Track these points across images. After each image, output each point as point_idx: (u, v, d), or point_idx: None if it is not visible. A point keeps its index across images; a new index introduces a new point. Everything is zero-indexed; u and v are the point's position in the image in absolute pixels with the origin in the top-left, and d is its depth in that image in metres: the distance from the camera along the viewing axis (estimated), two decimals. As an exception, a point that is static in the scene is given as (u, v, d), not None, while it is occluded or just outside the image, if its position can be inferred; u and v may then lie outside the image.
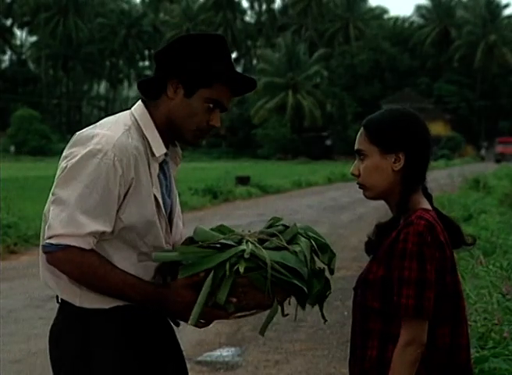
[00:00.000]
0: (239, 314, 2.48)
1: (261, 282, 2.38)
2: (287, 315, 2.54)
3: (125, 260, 2.49)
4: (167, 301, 2.46)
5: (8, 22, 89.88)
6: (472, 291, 6.61)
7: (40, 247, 2.50)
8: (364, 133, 2.47)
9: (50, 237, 2.42)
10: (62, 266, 2.44)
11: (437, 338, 2.36)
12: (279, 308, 2.49)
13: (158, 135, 2.55)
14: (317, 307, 2.61)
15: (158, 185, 2.55)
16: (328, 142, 72.22)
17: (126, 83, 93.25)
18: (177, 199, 2.73)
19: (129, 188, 2.46)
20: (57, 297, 2.57)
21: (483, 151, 75.98)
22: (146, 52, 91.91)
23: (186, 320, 2.48)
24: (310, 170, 38.88)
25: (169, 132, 2.58)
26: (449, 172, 27.87)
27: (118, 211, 2.46)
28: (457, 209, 15.61)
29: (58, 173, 2.48)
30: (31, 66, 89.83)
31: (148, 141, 2.54)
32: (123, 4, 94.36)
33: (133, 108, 2.61)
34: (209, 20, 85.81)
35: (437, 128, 66.23)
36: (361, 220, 17.01)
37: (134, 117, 2.57)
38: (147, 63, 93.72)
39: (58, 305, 2.60)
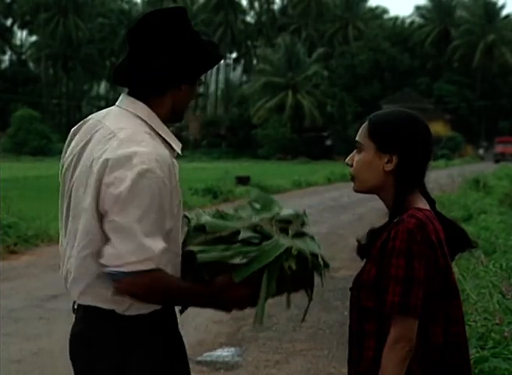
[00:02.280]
0: None
1: (301, 273, 2.53)
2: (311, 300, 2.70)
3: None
4: (227, 299, 2.52)
5: (9, 22, 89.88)
6: (472, 290, 6.60)
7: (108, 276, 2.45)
8: (367, 126, 2.49)
9: (120, 266, 2.39)
10: (134, 291, 2.43)
11: (431, 336, 2.36)
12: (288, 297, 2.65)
13: (169, 131, 2.58)
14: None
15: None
16: (328, 142, 72.19)
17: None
18: None
19: (170, 197, 2.49)
20: (73, 305, 2.57)
21: (481, 151, 75.84)
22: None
23: (237, 309, 2.59)
24: (310, 170, 38.85)
25: (169, 122, 2.62)
26: (449, 172, 27.86)
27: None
28: (457, 209, 15.60)
29: (110, 200, 2.40)
30: (31, 66, 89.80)
31: (166, 141, 2.55)
32: (123, 4, 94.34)
33: (132, 109, 2.55)
34: (209, 20, 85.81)
35: (437, 128, 66.19)
36: (361, 220, 17.00)
37: (143, 120, 2.54)
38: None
39: (79, 312, 2.57)
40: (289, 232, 2.57)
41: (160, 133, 2.54)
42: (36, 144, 63.87)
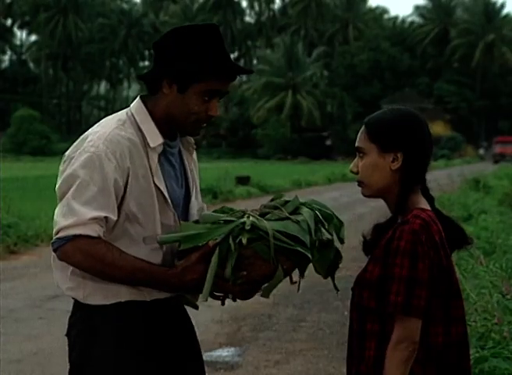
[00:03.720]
0: (249, 287, 2.50)
1: (265, 251, 2.42)
2: (295, 282, 2.59)
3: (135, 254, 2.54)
4: (183, 281, 2.49)
5: (8, 22, 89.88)
6: (472, 291, 6.61)
7: (51, 248, 2.55)
8: (365, 131, 2.49)
9: (57, 233, 2.48)
10: (73, 257, 2.48)
11: (431, 336, 2.36)
12: (287, 277, 2.53)
13: (154, 127, 2.59)
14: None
15: (160, 176, 2.58)
16: (328, 142, 72.18)
17: (126, 84, 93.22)
18: (195, 189, 2.76)
19: (127, 179, 2.51)
20: None
21: (482, 151, 75.64)
22: (146, 52, 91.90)
23: (190, 288, 2.54)
24: (310, 170, 38.83)
25: (171, 125, 2.62)
26: (449, 172, 27.86)
27: (122, 202, 2.51)
28: (457, 209, 15.62)
29: (60, 175, 2.55)
30: (31, 66, 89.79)
31: (143, 134, 2.58)
32: (123, 4, 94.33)
33: (131, 105, 2.68)
34: (209, 20, 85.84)
35: (437, 128, 66.12)
36: (361, 220, 17.01)
37: (131, 112, 2.63)
38: (147, 63, 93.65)
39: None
40: (269, 216, 2.51)
41: (139, 124, 2.59)
42: (36, 144, 63.84)
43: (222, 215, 2.55)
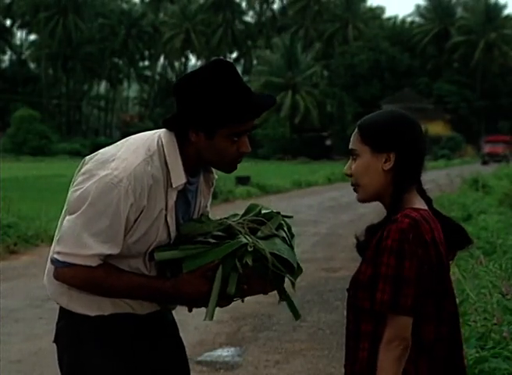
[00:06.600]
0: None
1: (263, 272, 2.57)
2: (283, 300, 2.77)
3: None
4: (180, 293, 2.55)
5: (8, 22, 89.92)
6: (472, 291, 6.60)
7: (49, 257, 2.58)
8: (358, 132, 2.50)
9: (58, 253, 2.52)
10: (69, 281, 2.54)
11: (423, 334, 2.36)
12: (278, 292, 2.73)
13: (180, 165, 2.57)
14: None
15: (173, 214, 2.60)
16: (328, 142, 72.21)
17: (126, 84, 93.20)
18: (197, 214, 2.78)
19: (139, 215, 2.52)
20: None
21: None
22: (146, 52, 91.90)
23: (199, 307, 2.63)
24: (310, 170, 38.85)
25: (202, 164, 2.64)
26: (449, 172, 27.85)
27: (126, 235, 2.52)
28: (457, 209, 15.61)
29: (75, 187, 2.54)
30: (31, 65, 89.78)
31: (169, 170, 2.56)
32: (123, 4, 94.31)
33: (163, 132, 2.61)
34: (208, 20, 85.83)
35: (437, 128, 66.14)
36: (361, 220, 17.00)
37: (161, 143, 2.57)
38: (147, 63, 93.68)
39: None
40: (259, 233, 2.62)
41: (167, 159, 2.56)
42: (36, 144, 63.88)
43: (201, 225, 2.64)
